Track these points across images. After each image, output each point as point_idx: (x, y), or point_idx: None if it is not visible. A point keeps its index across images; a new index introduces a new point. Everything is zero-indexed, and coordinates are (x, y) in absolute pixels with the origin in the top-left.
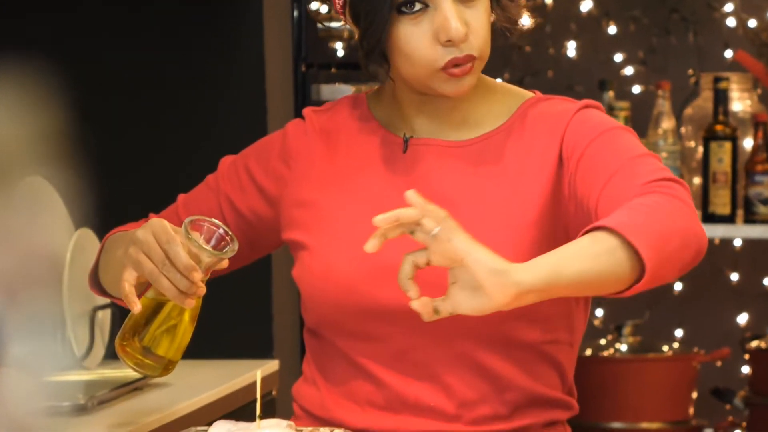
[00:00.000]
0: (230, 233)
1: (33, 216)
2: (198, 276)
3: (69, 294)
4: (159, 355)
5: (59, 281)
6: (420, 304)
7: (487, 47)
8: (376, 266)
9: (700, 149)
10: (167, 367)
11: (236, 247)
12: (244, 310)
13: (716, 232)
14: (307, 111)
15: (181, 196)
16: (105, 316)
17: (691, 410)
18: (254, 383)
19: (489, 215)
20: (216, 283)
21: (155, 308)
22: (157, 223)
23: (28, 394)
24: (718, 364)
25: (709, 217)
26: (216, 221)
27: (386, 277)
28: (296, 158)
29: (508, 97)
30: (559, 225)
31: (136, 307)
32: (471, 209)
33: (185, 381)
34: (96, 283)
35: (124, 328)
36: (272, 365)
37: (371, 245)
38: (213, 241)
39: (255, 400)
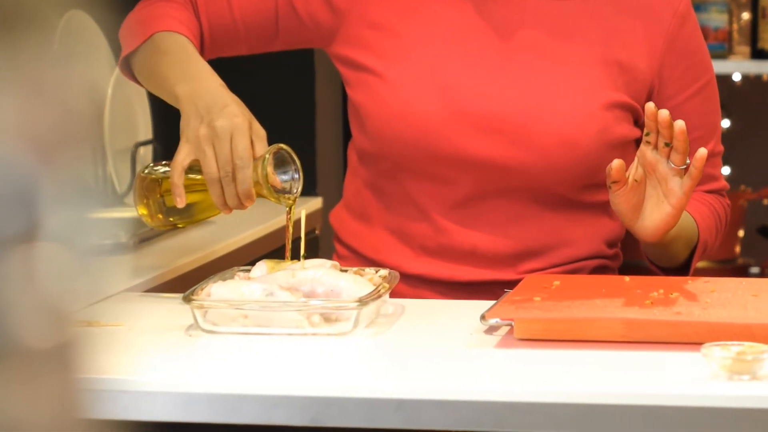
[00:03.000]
0: (299, 176)
1: (75, 50)
2: (250, 204)
3: (110, 130)
4: (172, 212)
5: (101, 117)
6: (620, 163)
7: None
8: (458, 109)
9: None
10: (167, 225)
11: (296, 197)
12: (285, 144)
13: (765, 68)
14: None
15: None
16: (147, 153)
17: (738, 248)
18: (298, 221)
19: (576, 77)
20: (256, 116)
21: (192, 181)
22: (241, 125)
23: (69, 272)
24: (765, 202)
25: (758, 53)
26: (295, 159)
27: (466, 122)
28: None
29: None
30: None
31: (181, 201)
32: (559, 67)
33: (227, 219)
34: (127, 64)
35: (152, 173)
36: (315, 202)
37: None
38: (281, 175)
39: (298, 239)
